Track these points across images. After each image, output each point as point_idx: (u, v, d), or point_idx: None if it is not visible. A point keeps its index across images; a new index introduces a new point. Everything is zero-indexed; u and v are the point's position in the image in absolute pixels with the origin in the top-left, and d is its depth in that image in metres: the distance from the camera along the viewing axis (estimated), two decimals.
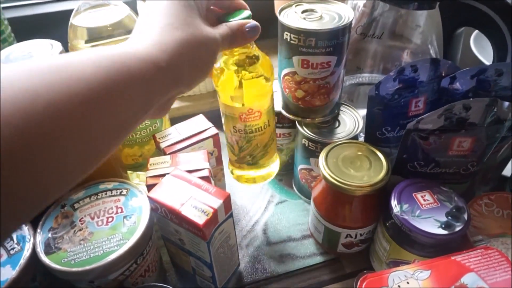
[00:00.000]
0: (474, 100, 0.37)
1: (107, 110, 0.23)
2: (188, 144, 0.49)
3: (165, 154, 0.48)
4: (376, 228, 0.44)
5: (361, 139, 0.51)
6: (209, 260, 0.40)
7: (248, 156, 0.47)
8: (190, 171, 0.43)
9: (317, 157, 0.46)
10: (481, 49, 0.62)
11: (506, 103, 0.38)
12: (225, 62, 0.41)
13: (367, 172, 0.42)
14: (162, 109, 0.34)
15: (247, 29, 0.35)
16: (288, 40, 0.43)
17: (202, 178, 0.43)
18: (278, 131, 0.54)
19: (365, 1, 0.50)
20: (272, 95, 0.45)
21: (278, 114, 0.52)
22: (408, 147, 0.41)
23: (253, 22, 0.35)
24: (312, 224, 0.49)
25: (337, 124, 0.50)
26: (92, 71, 0.22)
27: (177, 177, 0.41)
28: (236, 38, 0.35)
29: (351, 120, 0.50)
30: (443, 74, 0.44)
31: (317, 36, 0.41)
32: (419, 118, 0.38)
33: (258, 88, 0.42)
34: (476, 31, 0.60)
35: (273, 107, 0.46)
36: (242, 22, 0.35)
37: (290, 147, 0.57)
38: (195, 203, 0.37)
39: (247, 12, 0.37)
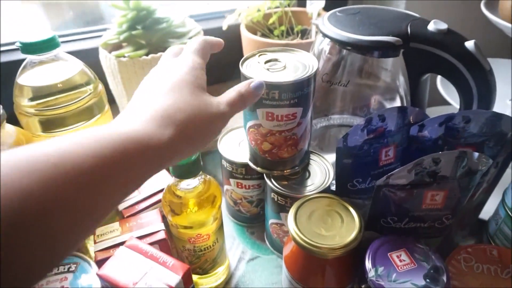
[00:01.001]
0: (443, 153, 0.35)
1: (101, 194, 0.23)
2: (149, 204, 0.46)
3: (123, 217, 0.44)
4: None
5: (334, 187, 0.49)
6: None
7: (198, 268, 0.47)
8: (144, 236, 0.39)
9: (287, 211, 0.43)
10: (448, 90, 0.63)
11: (476, 154, 0.37)
12: (171, 191, 0.41)
13: (339, 230, 0.39)
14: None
15: (253, 88, 0.35)
16: None
17: (159, 242, 0.39)
18: (247, 182, 0.51)
19: (330, 48, 0.49)
20: (221, 216, 0.46)
21: (246, 165, 0.49)
22: (380, 202, 0.38)
23: (256, 80, 0.35)
24: (285, 286, 0.45)
25: (307, 175, 0.48)
26: (90, 164, 0.23)
27: (132, 248, 0.37)
28: (246, 98, 0.34)
29: (321, 170, 0.48)
30: (411, 122, 0.43)
31: (281, 88, 0.39)
32: (389, 174, 0.36)
33: (206, 216, 0.42)
34: None
35: (221, 225, 0.46)
36: (247, 82, 0.35)
37: (260, 198, 0.54)
38: (150, 281, 0.34)
39: None
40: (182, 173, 0.39)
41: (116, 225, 0.41)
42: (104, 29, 0.61)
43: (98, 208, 0.24)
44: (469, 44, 0.42)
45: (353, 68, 0.51)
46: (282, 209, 0.46)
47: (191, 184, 0.40)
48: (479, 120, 0.40)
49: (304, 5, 0.76)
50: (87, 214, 0.23)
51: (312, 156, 0.50)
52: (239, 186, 0.52)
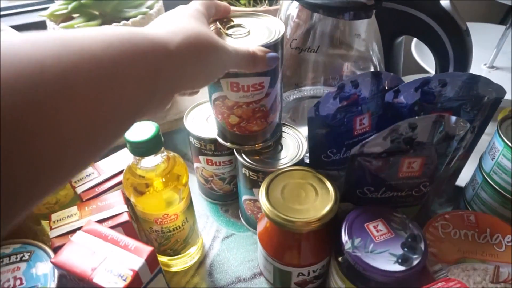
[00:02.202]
0: (420, 118, 0.34)
1: (115, 88, 0.21)
2: (110, 186, 0.42)
3: (82, 201, 0.41)
4: (330, 262, 0.40)
5: (308, 160, 0.47)
6: None
7: (168, 249, 0.44)
8: (105, 219, 0.36)
9: (260, 187, 0.40)
10: (423, 55, 0.61)
11: (454, 118, 0.35)
12: (132, 171, 0.38)
13: (314, 204, 0.37)
14: (161, 104, 0.30)
15: (268, 57, 0.35)
16: None
17: (122, 224, 0.37)
18: (217, 159, 0.49)
19: (298, 12, 0.46)
20: (189, 195, 0.43)
21: (215, 141, 0.46)
22: (355, 172, 0.37)
23: (274, 53, 0.35)
24: (261, 263, 0.44)
25: (279, 148, 0.45)
26: (102, 49, 0.21)
27: (90, 232, 0.34)
28: (256, 60, 0.34)
29: (294, 143, 0.46)
30: (386, 88, 0.40)
31: None
32: (363, 142, 0.34)
33: (171, 195, 0.39)
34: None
35: (191, 204, 0.44)
36: (265, 49, 0.35)
37: (233, 175, 0.51)
38: (110, 266, 0.31)
39: None
40: (142, 150, 0.36)
41: (74, 209, 0.38)
42: (53, 1, 0.56)
43: (112, 108, 0.21)
44: (445, 3, 0.40)
45: (324, 33, 0.49)
46: (254, 184, 0.44)
47: (153, 162, 0.37)
48: (456, 83, 0.39)
49: None
50: (96, 111, 0.20)
51: (285, 129, 0.48)
52: (209, 163, 0.49)
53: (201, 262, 0.48)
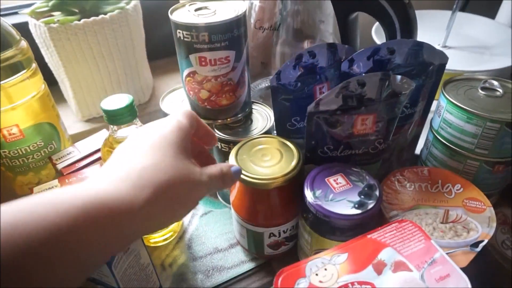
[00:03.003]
0: (367, 76, 0.37)
1: (74, 251, 0.22)
2: (90, 161, 0.45)
3: (63, 175, 0.43)
4: (299, 223, 0.42)
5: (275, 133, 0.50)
6: (116, 286, 0.35)
7: None
8: None
9: None
10: (383, 40, 0.65)
11: (399, 77, 0.39)
12: (109, 142, 0.40)
13: (279, 164, 0.40)
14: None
15: (232, 170, 0.33)
16: (182, 38, 0.41)
17: None
18: None
19: None
20: None
21: None
22: (314, 132, 0.40)
23: (236, 166, 0.34)
24: (236, 230, 0.46)
25: (249, 122, 0.49)
26: (60, 217, 0.22)
27: None
28: (225, 177, 0.32)
29: (263, 116, 0.49)
30: (341, 59, 0.44)
31: (210, 30, 0.40)
32: (317, 99, 0.37)
33: None
34: (377, 22, 0.62)
35: None
36: (230, 164, 0.34)
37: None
38: None
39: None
40: (118, 119, 0.38)
41: (55, 182, 0.40)
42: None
43: (59, 280, 0.22)
44: None
45: (285, 16, 0.52)
46: (227, 156, 0.47)
47: (129, 131, 0.40)
48: (403, 50, 0.43)
49: None
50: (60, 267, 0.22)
51: (255, 106, 0.51)
52: None
53: (181, 237, 0.50)
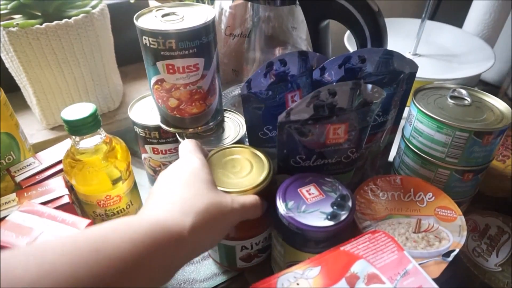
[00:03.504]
0: (338, 85, 0.37)
1: (136, 279, 0.25)
2: (52, 173, 0.42)
3: (22, 188, 0.41)
4: (271, 235, 0.41)
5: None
6: None
7: None
8: (45, 203, 0.36)
9: None
10: (355, 47, 0.66)
11: (370, 86, 0.38)
12: (71, 153, 0.39)
13: (249, 176, 0.39)
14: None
15: (262, 204, 0.37)
16: (148, 45, 0.39)
17: (62, 206, 0.37)
18: (163, 147, 0.50)
19: (231, 3, 0.49)
20: (133, 177, 0.45)
21: (159, 128, 0.48)
22: (286, 142, 0.39)
23: (265, 202, 0.38)
24: None
25: (221, 131, 0.47)
26: (126, 247, 0.25)
27: (27, 211, 0.34)
28: (256, 208, 0.36)
29: (236, 125, 0.48)
30: (313, 67, 0.44)
31: (177, 37, 0.38)
32: (288, 109, 0.36)
33: (113, 173, 0.41)
34: (348, 31, 0.63)
35: (135, 187, 0.45)
36: (257, 197, 0.37)
37: None
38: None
39: None
40: (80, 129, 0.36)
41: (12, 196, 0.38)
42: None
43: None
44: None
45: (256, 22, 0.51)
46: None
47: (92, 142, 0.38)
48: (374, 59, 0.43)
49: None
50: None
51: (226, 114, 0.50)
52: (156, 152, 0.50)
53: None
